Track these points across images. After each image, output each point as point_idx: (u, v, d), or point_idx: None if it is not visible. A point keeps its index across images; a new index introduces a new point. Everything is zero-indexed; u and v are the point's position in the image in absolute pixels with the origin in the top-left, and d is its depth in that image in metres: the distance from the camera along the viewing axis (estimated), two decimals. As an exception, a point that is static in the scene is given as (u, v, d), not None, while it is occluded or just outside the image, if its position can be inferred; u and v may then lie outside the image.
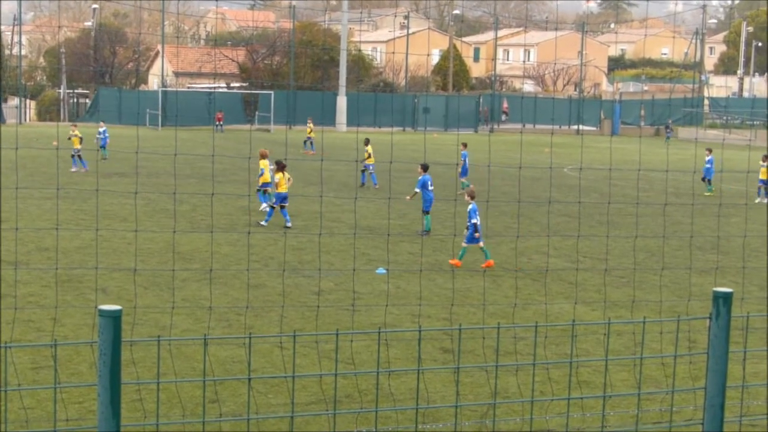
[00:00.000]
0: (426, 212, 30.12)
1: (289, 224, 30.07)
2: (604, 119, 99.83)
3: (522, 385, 14.65)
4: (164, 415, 13.30)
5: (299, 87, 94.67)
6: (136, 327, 17.62)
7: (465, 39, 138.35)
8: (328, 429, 13.02)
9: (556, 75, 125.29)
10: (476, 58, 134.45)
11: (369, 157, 42.31)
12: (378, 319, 19.24)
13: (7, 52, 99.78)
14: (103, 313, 5.68)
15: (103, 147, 50.88)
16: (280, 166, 30.17)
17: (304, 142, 61.87)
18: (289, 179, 30.67)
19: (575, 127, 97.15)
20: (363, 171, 42.75)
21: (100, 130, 52.16)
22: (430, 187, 30.08)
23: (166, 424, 12.89)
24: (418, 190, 30.12)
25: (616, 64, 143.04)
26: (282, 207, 30.31)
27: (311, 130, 63.16)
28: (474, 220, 25.08)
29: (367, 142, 42.97)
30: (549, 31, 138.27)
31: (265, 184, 33.61)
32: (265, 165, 33.63)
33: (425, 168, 30.42)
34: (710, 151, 44.33)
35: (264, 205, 33.50)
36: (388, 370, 15.71)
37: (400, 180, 42.81)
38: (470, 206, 25.36)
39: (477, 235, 25.13)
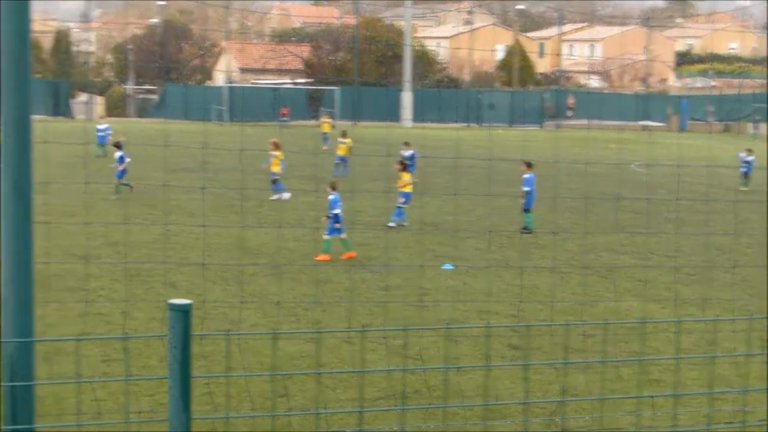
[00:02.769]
0: (527, 210, 29.98)
1: (392, 224, 29.96)
2: (671, 115, 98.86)
3: (591, 383, 14.54)
4: (234, 409, 13.35)
5: (363, 83, 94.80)
6: (206, 321, 17.72)
7: (529, 34, 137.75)
8: (396, 424, 13.00)
9: (621, 70, 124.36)
10: (541, 54, 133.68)
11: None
12: (445, 315, 19.20)
13: (75, 48, 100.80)
14: (173, 307, 5.70)
15: (101, 144, 49.65)
16: (404, 166, 30.07)
17: (323, 138, 59.89)
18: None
19: (642, 123, 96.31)
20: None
21: (100, 127, 50.88)
22: (527, 187, 29.91)
23: (236, 417, 12.94)
24: (527, 188, 29.82)
25: (683, 59, 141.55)
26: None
27: (331, 126, 61.73)
28: (336, 211, 24.90)
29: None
30: (614, 26, 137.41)
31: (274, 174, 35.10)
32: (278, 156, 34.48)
33: (529, 165, 30.25)
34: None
35: (277, 195, 34.19)
36: (456, 366, 15.65)
37: (464, 176, 42.73)
38: (332, 197, 25.09)
39: (338, 225, 24.92)
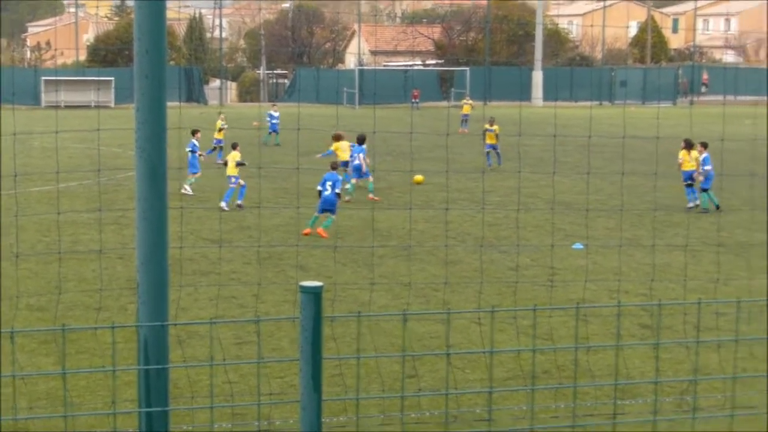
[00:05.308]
0: (705, 190, 30.18)
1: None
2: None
3: (723, 362, 14.37)
4: (363, 390, 13.54)
5: (494, 63, 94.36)
6: (336, 303, 17.93)
7: (663, 10, 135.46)
8: (526, 404, 13.05)
9: (758, 44, 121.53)
10: (675, 29, 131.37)
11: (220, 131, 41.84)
12: (575, 295, 19.13)
13: (208, 35, 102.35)
14: (304, 290, 5.79)
15: (273, 132, 49.37)
16: (688, 145, 30.52)
17: (463, 121, 58.89)
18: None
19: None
20: (214, 149, 41.05)
21: (273, 113, 50.20)
22: (708, 166, 30.27)
23: (366, 398, 13.12)
24: (708, 167, 30.27)
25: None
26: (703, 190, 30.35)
27: (471, 107, 60.39)
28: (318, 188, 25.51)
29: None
30: (751, 0, 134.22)
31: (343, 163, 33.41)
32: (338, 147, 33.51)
33: (705, 146, 30.59)
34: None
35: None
36: (586, 345, 15.63)
37: (597, 155, 42.36)
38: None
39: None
